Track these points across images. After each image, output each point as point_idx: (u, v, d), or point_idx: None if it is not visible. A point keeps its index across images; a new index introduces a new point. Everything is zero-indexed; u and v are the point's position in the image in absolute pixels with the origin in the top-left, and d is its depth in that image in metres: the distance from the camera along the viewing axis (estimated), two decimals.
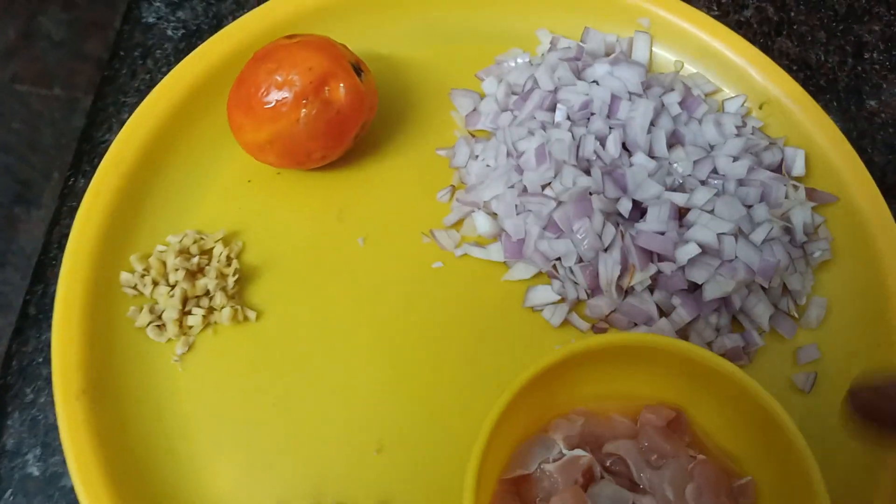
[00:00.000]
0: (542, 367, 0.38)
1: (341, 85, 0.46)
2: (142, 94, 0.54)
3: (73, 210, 0.48)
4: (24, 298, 0.48)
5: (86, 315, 0.44)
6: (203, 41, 0.54)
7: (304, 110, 0.45)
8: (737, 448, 0.38)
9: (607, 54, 0.54)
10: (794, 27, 0.58)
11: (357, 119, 0.47)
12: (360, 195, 0.50)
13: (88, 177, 0.51)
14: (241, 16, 0.57)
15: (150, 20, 0.58)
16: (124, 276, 0.46)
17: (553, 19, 0.56)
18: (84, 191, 0.47)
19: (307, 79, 0.45)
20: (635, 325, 0.46)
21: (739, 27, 0.59)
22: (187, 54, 0.54)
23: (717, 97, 0.54)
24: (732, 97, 0.53)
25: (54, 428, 0.45)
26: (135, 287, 0.46)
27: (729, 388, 0.37)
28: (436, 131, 0.53)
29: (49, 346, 0.44)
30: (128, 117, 0.53)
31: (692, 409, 0.40)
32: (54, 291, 0.45)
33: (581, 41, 0.55)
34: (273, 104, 0.45)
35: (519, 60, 0.54)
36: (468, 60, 0.55)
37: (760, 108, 0.52)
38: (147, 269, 0.46)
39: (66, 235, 0.46)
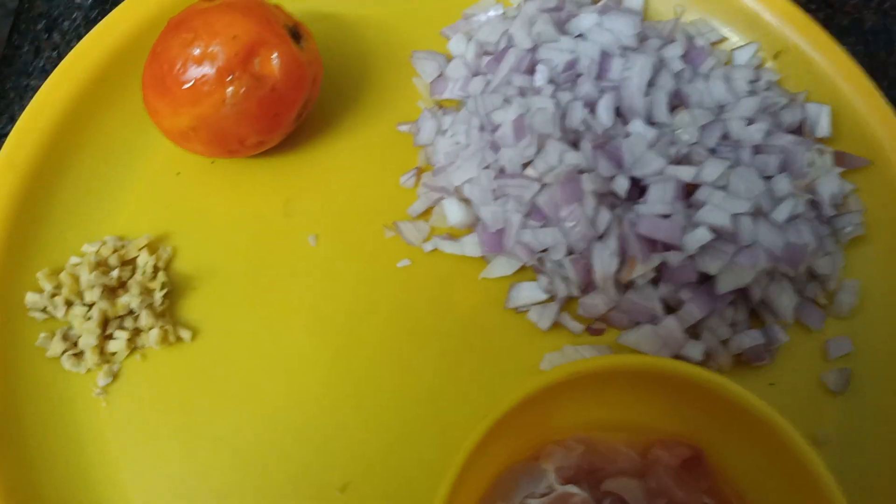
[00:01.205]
0: (527, 392, 0.31)
1: (274, 55, 0.38)
2: (47, 74, 0.46)
3: None
4: None
5: None
6: (116, 7, 0.46)
7: (230, 88, 0.37)
8: (763, 500, 0.32)
9: (595, 1, 0.46)
10: None
11: (297, 96, 0.39)
12: (310, 184, 0.43)
13: None
14: None
15: None
16: (30, 297, 0.39)
17: None
18: None
19: (231, 50, 0.37)
20: (637, 323, 0.39)
21: None
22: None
23: (725, 47, 0.46)
24: (743, 46, 0.45)
25: None
26: (44, 310, 0.39)
27: (757, 427, 0.30)
28: (396, 103, 0.45)
29: None
30: None
31: (714, 449, 0.33)
32: None
33: None
34: (192, 83, 0.37)
35: (491, 13, 0.46)
36: (431, 16, 0.47)
37: (776, 57, 0.45)
38: (58, 287, 0.39)
39: None
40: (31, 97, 0.45)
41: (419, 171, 0.43)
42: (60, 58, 0.46)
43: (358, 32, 0.46)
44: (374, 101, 0.45)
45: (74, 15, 0.48)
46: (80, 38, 0.47)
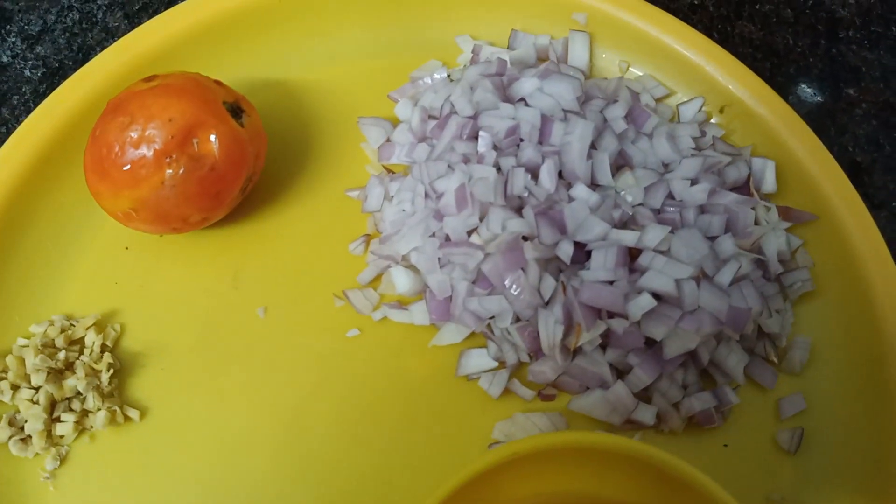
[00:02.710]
0: (473, 472, 0.31)
1: (213, 136, 0.38)
2: None
3: None
4: None
5: None
6: (59, 86, 0.46)
7: (168, 170, 0.37)
8: None
9: (540, 60, 0.46)
10: (757, 7, 0.50)
11: (238, 173, 0.39)
12: (259, 255, 0.43)
13: None
14: (108, 45, 0.49)
15: (4, 59, 0.50)
16: None
17: (475, 22, 0.48)
18: None
19: (168, 132, 0.37)
20: (588, 388, 0.39)
21: (694, 12, 0.51)
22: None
23: (671, 101, 0.46)
24: (688, 101, 0.45)
25: None
26: None
27: (701, 498, 0.30)
28: (345, 168, 0.45)
29: None
30: None
31: None
32: None
33: (509, 46, 0.47)
34: (130, 166, 0.37)
35: (436, 76, 0.46)
36: (379, 80, 0.47)
37: (721, 111, 0.45)
38: (4, 371, 0.39)
39: None
40: None
41: (368, 238, 0.43)
42: (10, 133, 0.47)
43: (304, 99, 0.46)
44: (323, 167, 0.45)
45: (23, 89, 0.48)
46: (29, 112, 0.47)
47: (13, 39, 0.50)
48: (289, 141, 0.45)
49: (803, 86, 0.44)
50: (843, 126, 0.47)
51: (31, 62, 0.49)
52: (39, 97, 0.48)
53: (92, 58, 0.48)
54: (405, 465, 0.38)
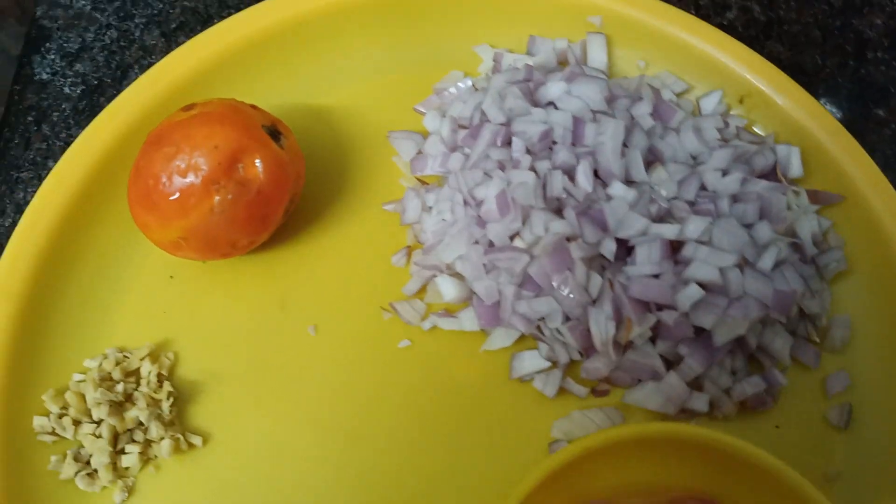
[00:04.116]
0: (553, 466, 0.32)
1: (257, 160, 0.38)
2: (38, 166, 0.47)
3: None
4: None
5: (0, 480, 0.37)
6: (106, 97, 0.48)
7: (216, 197, 0.38)
8: None
9: (560, 64, 0.47)
10: (785, 27, 0.51)
11: (283, 194, 0.40)
12: (303, 276, 0.43)
13: None
14: (147, 65, 0.50)
15: (44, 76, 0.50)
16: (38, 420, 0.39)
17: (491, 32, 0.49)
18: None
19: (214, 159, 0.38)
20: (640, 381, 0.40)
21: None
22: (88, 115, 0.48)
23: (690, 96, 0.47)
24: (708, 94, 0.46)
25: None
26: (52, 432, 0.39)
27: (766, 478, 0.31)
28: (379, 183, 0.46)
29: None
30: (23, 196, 0.46)
31: (729, 501, 0.33)
32: None
33: (527, 52, 0.48)
34: (178, 195, 0.38)
35: (461, 86, 0.47)
36: (402, 94, 0.48)
37: (741, 102, 0.46)
38: (65, 408, 0.39)
39: None
40: (22, 190, 0.46)
41: (409, 250, 0.43)
42: (51, 150, 0.48)
43: (331, 118, 0.47)
44: (357, 183, 0.46)
45: (63, 106, 0.49)
46: (69, 129, 0.48)
47: (52, 57, 0.51)
48: (320, 160, 0.46)
49: (832, 106, 0.45)
50: (872, 145, 0.48)
51: (70, 79, 0.50)
52: (79, 114, 0.48)
53: (130, 76, 0.50)
54: (467, 470, 0.39)
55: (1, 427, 0.38)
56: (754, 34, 0.50)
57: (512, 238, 0.40)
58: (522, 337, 0.41)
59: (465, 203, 0.42)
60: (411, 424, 0.40)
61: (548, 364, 0.40)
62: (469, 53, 0.49)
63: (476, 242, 0.41)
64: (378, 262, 0.44)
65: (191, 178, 0.38)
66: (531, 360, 0.40)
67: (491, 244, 0.41)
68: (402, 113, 0.47)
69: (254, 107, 0.41)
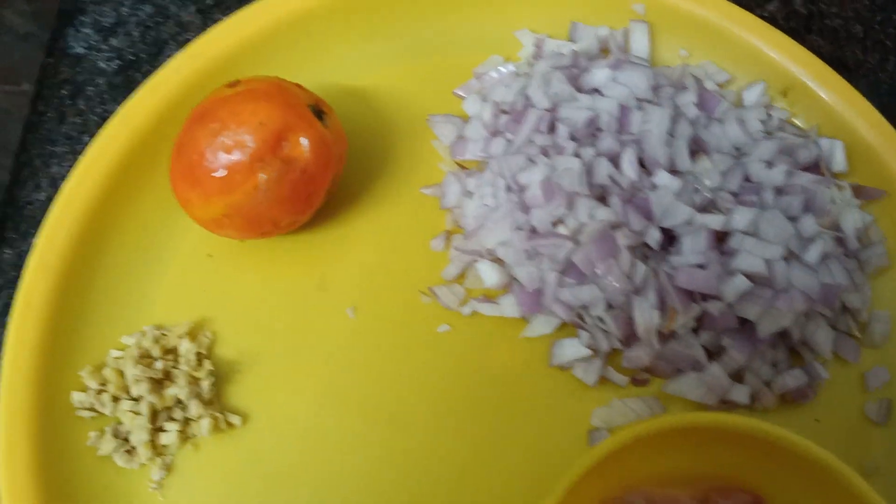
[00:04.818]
0: (594, 460, 0.32)
1: (303, 138, 0.38)
2: (73, 141, 0.47)
3: (0, 289, 0.43)
4: None
5: (36, 453, 0.36)
6: (142, 73, 0.47)
7: (262, 175, 0.38)
8: None
9: (601, 52, 0.47)
10: (826, 21, 0.51)
11: (327, 174, 0.40)
12: (341, 256, 0.43)
13: (15, 246, 0.44)
14: (183, 41, 0.49)
15: (79, 50, 0.49)
16: (76, 396, 0.39)
17: (532, 17, 0.49)
18: (11, 264, 0.43)
19: (260, 136, 0.37)
20: (680, 371, 0.39)
21: None
22: (124, 90, 0.48)
23: (732, 87, 0.47)
24: (750, 85, 0.46)
25: None
26: (91, 408, 0.39)
27: (811, 468, 0.31)
28: (418, 167, 0.45)
29: None
30: (58, 170, 0.46)
31: (772, 493, 0.34)
32: None
33: (569, 38, 0.48)
34: (223, 172, 0.37)
35: (502, 70, 0.46)
36: (441, 77, 0.47)
37: (785, 95, 0.46)
38: (104, 384, 0.39)
39: None
40: (56, 164, 0.46)
41: (448, 234, 0.43)
42: (86, 125, 0.47)
43: (370, 100, 0.47)
44: (396, 167, 0.45)
45: (98, 80, 0.48)
46: (105, 104, 0.48)
47: (87, 31, 0.50)
48: (359, 142, 0.45)
49: (872, 101, 0.44)
50: None
51: (105, 54, 0.49)
52: (115, 89, 0.48)
53: (166, 52, 0.49)
54: (505, 455, 0.39)
55: (39, 402, 0.38)
56: (795, 27, 0.50)
57: (554, 224, 0.40)
58: (562, 324, 0.41)
59: (508, 188, 0.42)
60: (449, 409, 0.40)
61: (588, 352, 0.40)
62: (508, 38, 0.49)
63: (518, 228, 0.41)
64: (416, 245, 0.43)
65: (236, 155, 0.37)
66: (572, 348, 0.40)
67: (533, 230, 0.40)
68: (440, 96, 0.47)
69: (298, 85, 0.41)
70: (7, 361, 0.38)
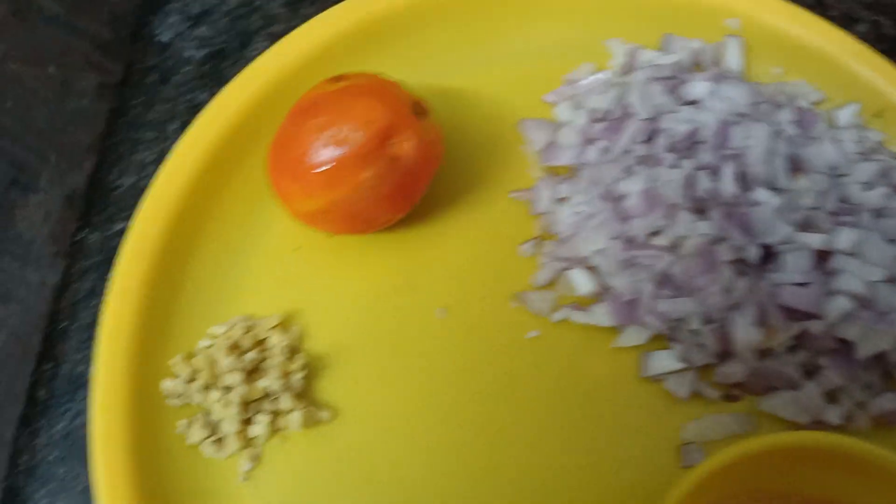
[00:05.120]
0: (705, 472, 0.32)
1: (408, 138, 0.38)
2: (160, 128, 0.47)
3: (85, 271, 0.43)
4: (31, 380, 0.40)
5: (131, 437, 0.36)
6: (229, 62, 0.47)
7: (366, 173, 0.37)
8: None
9: (695, 66, 0.47)
10: None
11: (428, 174, 0.40)
12: (431, 257, 0.43)
13: (101, 230, 0.44)
14: (270, 33, 0.49)
15: (165, 39, 0.49)
16: (167, 384, 0.38)
17: (621, 27, 0.49)
18: (96, 247, 0.43)
19: (368, 134, 0.37)
20: (773, 388, 0.39)
21: None
22: (211, 79, 0.48)
23: (825, 107, 0.47)
24: (844, 105, 0.46)
25: None
26: (181, 396, 0.38)
27: None
28: (507, 171, 0.45)
29: (63, 439, 0.39)
30: (145, 157, 0.46)
31: None
32: (66, 372, 0.40)
33: (661, 50, 0.48)
34: (328, 167, 0.37)
35: (597, 78, 0.46)
36: (530, 83, 0.47)
37: (879, 116, 0.45)
38: (195, 373, 0.39)
39: (79, 304, 0.42)
40: (144, 150, 0.46)
41: (538, 241, 0.43)
42: (174, 112, 0.47)
43: (462, 102, 0.46)
44: (485, 169, 0.45)
45: (186, 69, 0.48)
46: (192, 92, 0.48)
47: (174, 19, 0.50)
48: (449, 143, 0.45)
49: None
50: None
51: (192, 43, 0.49)
52: (202, 78, 0.48)
53: (253, 43, 0.49)
54: (592, 464, 0.39)
55: (130, 388, 0.37)
56: (884, 49, 0.49)
57: (652, 235, 0.40)
58: (655, 336, 0.41)
59: (604, 196, 0.41)
60: (537, 415, 0.39)
61: (681, 365, 0.40)
62: (597, 47, 0.48)
63: (615, 237, 0.40)
64: (504, 249, 0.43)
65: (343, 151, 0.37)
66: (664, 360, 0.40)
67: (630, 240, 0.40)
68: (529, 101, 0.47)
69: (398, 85, 0.41)
70: (103, 345, 0.38)
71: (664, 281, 0.40)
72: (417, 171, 0.39)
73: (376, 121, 0.37)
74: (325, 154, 0.37)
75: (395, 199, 0.39)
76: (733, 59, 0.47)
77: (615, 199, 0.41)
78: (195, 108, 0.46)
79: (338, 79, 0.39)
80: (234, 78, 0.44)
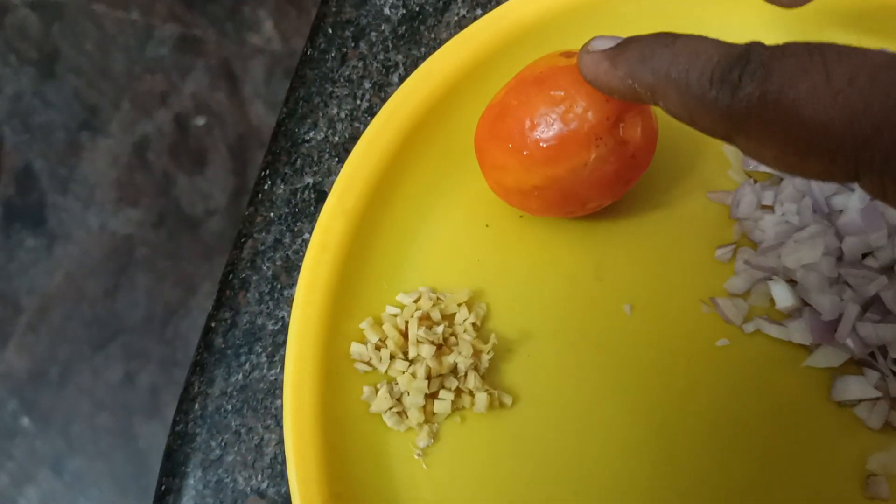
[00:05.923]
0: None
1: (639, 122, 0.36)
2: (353, 84, 0.45)
3: (270, 223, 0.41)
4: (210, 325, 0.39)
5: (320, 404, 0.35)
6: (426, 26, 0.45)
7: (594, 153, 0.36)
8: None
9: None
10: None
11: (647, 161, 0.38)
12: (621, 250, 0.41)
13: (288, 182, 0.43)
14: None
15: None
16: (356, 347, 0.37)
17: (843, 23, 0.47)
18: (283, 199, 0.41)
19: (604, 113, 0.35)
20: None
21: None
22: (407, 40, 0.46)
23: None
24: None
25: (244, 495, 0.37)
26: (368, 361, 0.37)
27: None
28: (706, 171, 0.43)
29: (238, 391, 0.38)
30: (337, 112, 0.44)
31: None
32: (245, 322, 0.39)
33: None
34: (555, 143, 0.36)
35: None
36: None
37: None
38: (382, 340, 0.37)
39: (261, 255, 0.40)
40: (336, 106, 0.44)
41: (736, 246, 0.41)
42: (367, 69, 0.45)
43: None
44: (682, 167, 0.43)
45: (382, 27, 0.46)
46: (387, 52, 0.46)
47: None
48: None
49: None
50: None
51: (391, 1, 0.47)
52: (398, 39, 0.46)
53: (453, 8, 0.47)
54: (770, 482, 0.37)
55: (323, 347, 0.36)
56: None
57: (865, 255, 0.38)
58: (848, 360, 0.39)
59: (815, 209, 0.40)
60: (717, 424, 0.38)
61: (877, 394, 0.38)
62: None
63: (827, 253, 0.39)
64: (698, 251, 0.41)
65: (574, 127, 0.35)
66: (858, 386, 0.38)
67: (840, 257, 0.39)
68: None
69: None
70: (299, 303, 0.36)
71: (871, 304, 0.38)
72: (639, 158, 0.37)
73: (611, 101, 0.36)
74: (553, 129, 0.36)
75: (613, 184, 0.37)
76: None
77: (829, 213, 0.39)
78: (388, 69, 0.44)
79: (569, 54, 0.37)
80: (442, 47, 0.42)
